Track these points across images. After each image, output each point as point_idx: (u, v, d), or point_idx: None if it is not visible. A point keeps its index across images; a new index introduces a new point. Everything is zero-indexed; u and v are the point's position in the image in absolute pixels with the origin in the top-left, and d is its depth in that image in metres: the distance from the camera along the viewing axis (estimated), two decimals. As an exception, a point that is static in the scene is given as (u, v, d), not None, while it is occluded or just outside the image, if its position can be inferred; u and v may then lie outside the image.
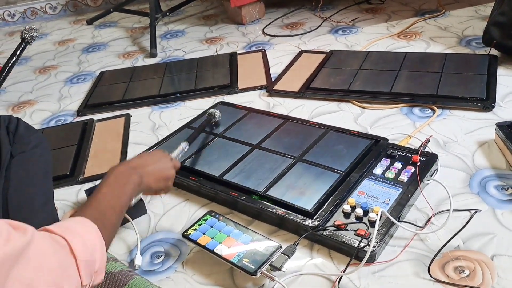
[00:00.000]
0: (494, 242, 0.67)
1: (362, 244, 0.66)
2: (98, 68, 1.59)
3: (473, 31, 1.37)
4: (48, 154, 0.73)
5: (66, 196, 0.95)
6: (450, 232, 0.69)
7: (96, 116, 1.25)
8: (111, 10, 2.06)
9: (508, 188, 0.77)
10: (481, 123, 0.95)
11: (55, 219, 0.71)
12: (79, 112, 1.28)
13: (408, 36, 1.42)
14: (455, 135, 0.92)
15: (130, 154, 1.05)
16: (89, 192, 0.89)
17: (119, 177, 0.64)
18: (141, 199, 0.86)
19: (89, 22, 2.11)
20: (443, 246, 0.67)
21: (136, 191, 0.66)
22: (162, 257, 0.76)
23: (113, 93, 1.35)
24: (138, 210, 0.85)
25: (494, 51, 1.18)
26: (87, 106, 1.30)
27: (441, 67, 1.15)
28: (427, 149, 0.86)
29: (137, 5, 2.16)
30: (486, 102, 0.98)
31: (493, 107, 0.98)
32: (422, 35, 1.41)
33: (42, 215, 0.67)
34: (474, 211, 0.72)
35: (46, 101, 1.41)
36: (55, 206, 0.73)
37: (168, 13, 1.92)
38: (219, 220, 0.77)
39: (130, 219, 0.81)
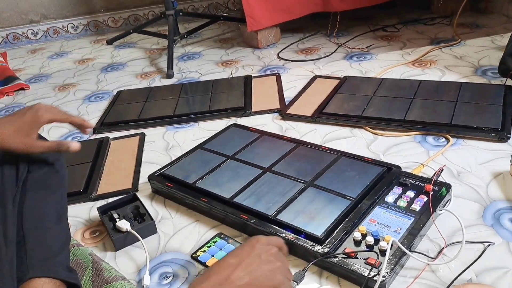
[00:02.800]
0: (508, 277, 0.66)
1: (372, 274, 0.65)
2: (115, 87, 1.62)
3: (489, 61, 1.37)
4: (64, 170, 0.74)
5: (78, 213, 0.96)
6: (462, 264, 0.68)
7: (111, 134, 1.27)
8: (131, 31, 2.12)
9: (523, 222, 0.75)
10: (496, 154, 0.94)
11: (67, 235, 0.71)
12: (95, 130, 1.31)
13: (423, 64, 1.42)
14: (469, 165, 0.91)
15: (143, 172, 1.06)
16: (101, 210, 0.90)
17: None
18: (152, 219, 0.87)
19: (109, 42, 2.17)
20: (455, 278, 0.66)
21: None
22: (171, 278, 0.76)
23: (129, 112, 1.37)
24: (148, 229, 0.86)
25: (510, 82, 1.17)
26: (103, 124, 1.33)
27: (456, 96, 1.14)
28: (440, 179, 0.86)
29: (156, 27, 2.22)
30: (501, 133, 0.98)
31: (509, 138, 0.97)
32: (437, 63, 1.42)
33: (55, 231, 0.67)
34: (487, 243, 0.71)
35: (64, 118, 1.44)
36: (68, 223, 0.74)
37: (185, 36, 1.97)
38: (228, 243, 0.77)
39: (140, 238, 0.82)
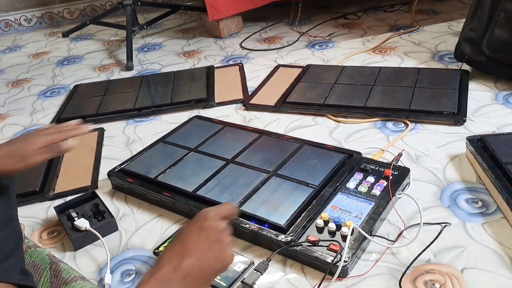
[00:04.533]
0: (464, 256, 0.68)
1: (333, 259, 0.65)
2: (72, 81, 1.56)
3: (446, 46, 1.41)
4: None
5: (35, 213, 0.92)
6: (421, 245, 0.70)
7: (68, 130, 1.22)
8: (88, 22, 2.04)
9: (478, 202, 0.78)
10: (453, 137, 0.96)
11: (19, 237, 0.68)
12: (52, 127, 1.25)
13: (383, 51, 1.44)
14: (427, 149, 0.94)
15: (103, 169, 1.03)
16: (58, 209, 0.87)
17: None
18: (112, 216, 0.84)
19: (65, 34, 2.09)
20: (414, 259, 0.67)
21: None
22: (133, 275, 0.74)
23: (87, 106, 1.32)
24: (108, 227, 0.83)
25: (465, 66, 1.21)
26: (60, 120, 1.28)
27: (414, 81, 1.17)
28: (399, 163, 0.87)
29: (114, 18, 2.14)
30: (458, 116, 1.00)
31: (464, 121, 1.00)
32: (396, 50, 1.44)
33: (5, 234, 0.64)
34: (444, 224, 0.73)
35: (18, 115, 1.38)
36: (19, 224, 0.70)
37: (145, 26, 1.91)
38: (191, 237, 0.75)
39: (100, 236, 0.79)
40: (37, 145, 0.67)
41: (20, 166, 0.66)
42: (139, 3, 1.89)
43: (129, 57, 1.61)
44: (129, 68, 1.59)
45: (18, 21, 2.30)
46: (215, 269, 0.51)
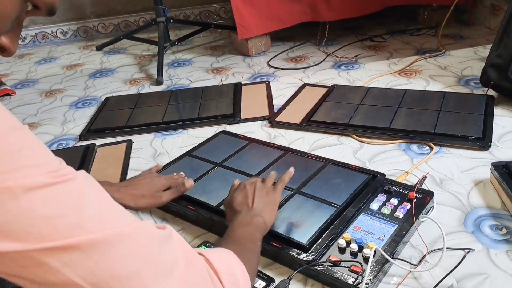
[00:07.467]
0: (487, 283, 0.67)
1: (355, 281, 0.66)
2: (104, 94, 1.62)
3: (471, 71, 1.41)
4: None
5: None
6: (444, 271, 0.69)
7: (98, 141, 1.26)
8: (121, 37, 2.12)
9: (502, 228, 0.77)
10: (477, 162, 0.96)
11: None
12: (82, 137, 1.30)
13: (409, 74, 1.45)
14: (452, 173, 0.93)
15: (131, 179, 1.06)
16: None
17: (243, 223, 0.69)
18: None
19: (99, 48, 2.17)
20: (436, 285, 0.67)
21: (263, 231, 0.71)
22: None
23: (117, 118, 1.37)
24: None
25: (491, 92, 1.20)
26: (90, 131, 1.32)
27: (439, 105, 1.17)
28: (423, 186, 0.87)
29: (147, 34, 2.22)
30: (483, 141, 1.00)
31: (489, 146, 0.99)
32: (422, 73, 1.44)
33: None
34: (467, 250, 0.72)
35: (50, 124, 1.43)
36: None
37: (176, 43, 1.97)
38: (214, 250, 0.77)
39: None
40: (164, 186, 0.87)
41: (154, 204, 0.86)
42: (171, 21, 1.96)
43: (160, 72, 1.66)
44: (159, 82, 1.64)
45: (55, 34, 2.41)
46: (272, 203, 0.76)
